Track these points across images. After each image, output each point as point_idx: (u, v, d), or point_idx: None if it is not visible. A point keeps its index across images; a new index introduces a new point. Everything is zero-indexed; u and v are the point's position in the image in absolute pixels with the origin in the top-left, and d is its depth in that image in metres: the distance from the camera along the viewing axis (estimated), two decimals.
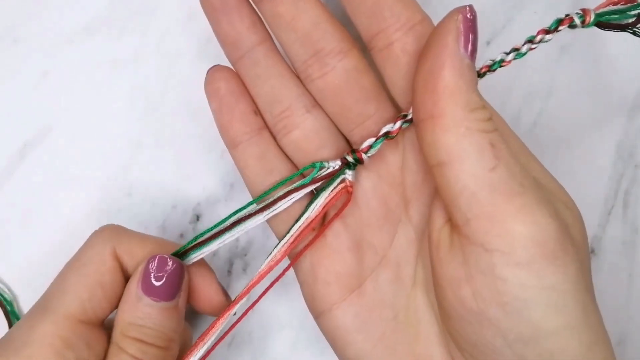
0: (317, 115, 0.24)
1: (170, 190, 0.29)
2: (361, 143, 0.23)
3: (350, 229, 0.24)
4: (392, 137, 0.22)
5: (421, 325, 0.23)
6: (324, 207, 0.23)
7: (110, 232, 0.23)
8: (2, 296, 0.27)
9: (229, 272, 0.29)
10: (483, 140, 0.19)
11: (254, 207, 0.23)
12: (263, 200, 0.23)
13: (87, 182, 0.28)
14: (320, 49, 0.22)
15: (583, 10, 0.21)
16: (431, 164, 0.20)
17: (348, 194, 0.23)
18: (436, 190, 0.22)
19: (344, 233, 0.24)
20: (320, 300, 0.23)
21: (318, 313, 0.24)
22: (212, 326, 0.22)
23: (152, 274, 0.21)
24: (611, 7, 0.21)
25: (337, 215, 0.23)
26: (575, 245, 0.19)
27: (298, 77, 0.24)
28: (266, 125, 0.24)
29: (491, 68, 0.21)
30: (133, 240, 0.23)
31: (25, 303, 0.28)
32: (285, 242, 0.23)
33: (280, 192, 0.23)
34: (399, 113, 0.23)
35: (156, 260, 0.22)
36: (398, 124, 0.22)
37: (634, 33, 0.22)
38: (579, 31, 0.22)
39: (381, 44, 0.22)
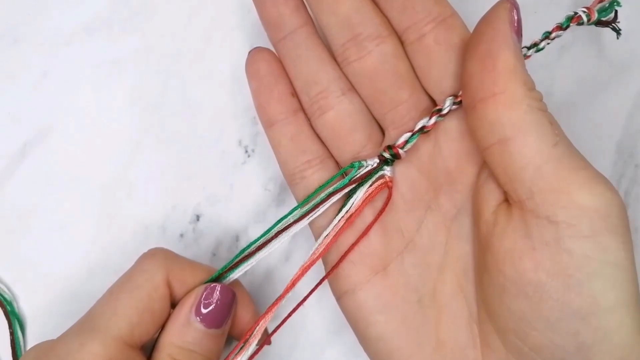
0: (351, 99, 0.24)
1: (170, 190, 0.29)
2: (393, 128, 0.24)
3: (378, 211, 0.24)
4: (427, 132, 0.23)
5: (447, 310, 0.23)
6: (363, 201, 0.23)
7: (163, 258, 0.23)
8: (2, 296, 0.27)
9: None
10: (543, 117, 0.20)
11: (297, 212, 0.24)
12: (306, 204, 0.24)
13: (87, 182, 0.28)
14: (359, 33, 0.23)
15: (588, 8, 0.22)
16: (490, 143, 0.20)
17: (388, 189, 0.23)
18: (481, 174, 0.22)
19: (372, 216, 0.24)
20: (344, 280, 0.24)
21: (341, 293, 0.24)
22: (254, 326, 0.23)
23: (208, 302, 0.22)
24: (599, 5, 0.22)
25: (380, 213, 0.23)
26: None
27: (336, 61, 0.24)
28: (302, 108, 0.25)
29: None
30: (185, 268, 0.23)
31: (25, 303, 0.28)
32: (326, 237, 0.23)
33: (323, 194, 0.23)
34: (431, 102, 0.23)
35: (217, 290, 0.22)
36: (433, 119, 0.22)
37: (613, 29, 0.23)
38: (579, 31, 0.22)
39: (412, 37, 0.23)
